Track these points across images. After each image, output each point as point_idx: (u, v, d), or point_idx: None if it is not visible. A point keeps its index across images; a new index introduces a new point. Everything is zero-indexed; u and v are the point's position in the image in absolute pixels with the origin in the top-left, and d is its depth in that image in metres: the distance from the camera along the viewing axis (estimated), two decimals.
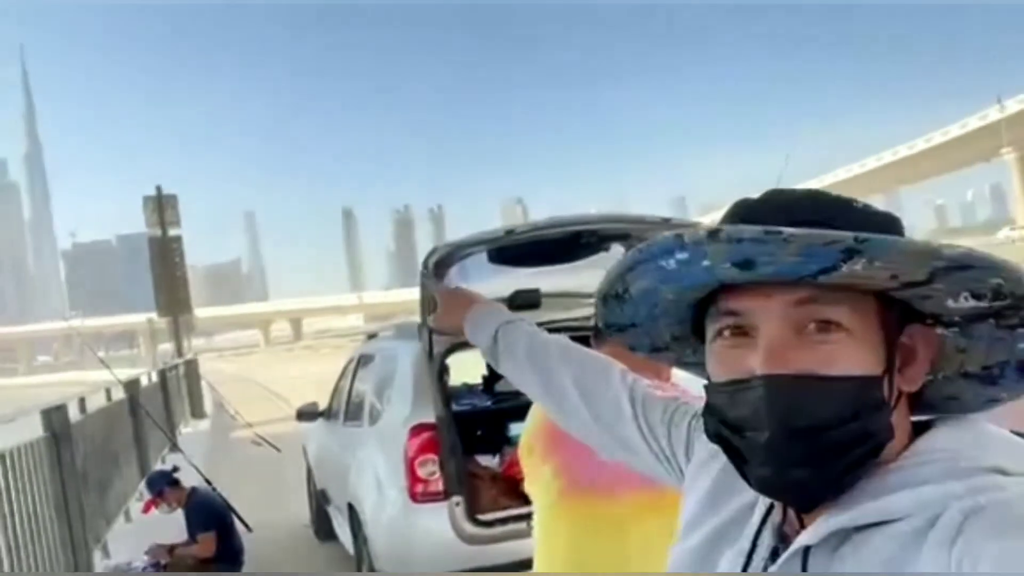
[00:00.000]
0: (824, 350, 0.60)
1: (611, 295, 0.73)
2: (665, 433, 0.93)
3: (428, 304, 3.27)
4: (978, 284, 0.57)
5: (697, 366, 0.80)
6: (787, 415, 0.59)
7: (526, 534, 3.13)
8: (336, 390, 5.28)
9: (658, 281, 0.67)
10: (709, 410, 0.67)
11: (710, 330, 0.67)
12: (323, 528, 5.41)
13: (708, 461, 0.81)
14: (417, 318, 3.78)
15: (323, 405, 5.43)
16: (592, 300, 3.39)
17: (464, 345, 3.53)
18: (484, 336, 1.14)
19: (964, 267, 0.56)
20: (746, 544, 0.69)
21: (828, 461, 0.59)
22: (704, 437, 0.85)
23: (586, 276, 3.86)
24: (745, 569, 0.68)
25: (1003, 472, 0.58)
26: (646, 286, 0.69)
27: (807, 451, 0.59)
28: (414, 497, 3.10)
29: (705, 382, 0.70)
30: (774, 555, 0.66)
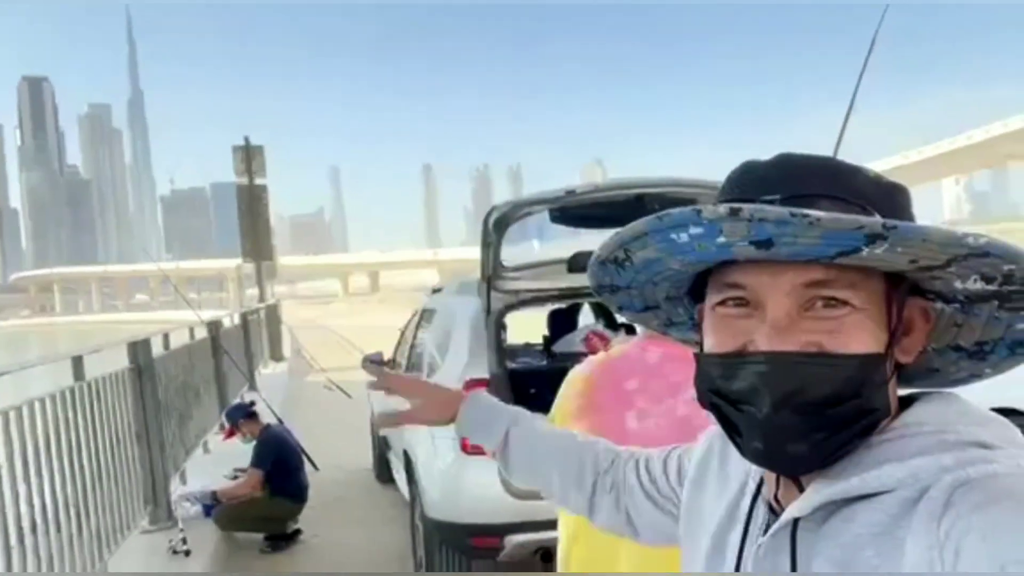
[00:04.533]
0: (830, 325, 0.60)
1: (610, 260, 0.70)
2: (664, 480, 0.96)
3: (489, 263, 3.30)
4: (991, 269, 0.57)
5: (683, 325, 0.80)
6: (788, 393, 0.59)
7: None
8: (400, 341, 5.42)
9: (666, 253, 0.65)
10: (702, 377, 0.67)
11: (711, 299, 0.66)
12: (383, 472, 5.62)
13: (701, 476, 0.84)
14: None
15: (389, 355, 5.60)
16: None
17: (523, 303, 3.56)
18: (492, 437, 1.11)
19: (983, 254, 0.55)
20: (743, 519, 0.72)
21: (826, 436, 0.60)
22: (693, 457, 0.89)
23: None
24: (743, 542, 0.70)
25: (987, 446, 0.59)
26: (651, 256, 0.67)
27: (805, 427, 0.60)
28: (464, 448, 3.16)
29: (697, 350, 0.70)
30: (768, 529, 0.67)
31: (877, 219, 0.55)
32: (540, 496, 3.49)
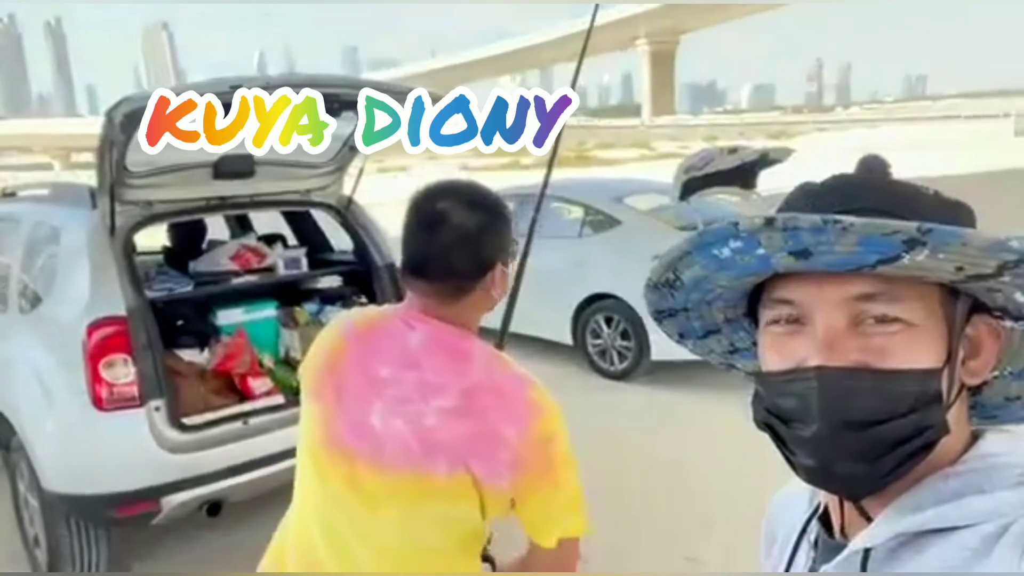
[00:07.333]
0: (881, 342, 0.58)
1: (661, 283, 0.69)
2: None
3: (110, 169, 2.59)
4: None
5: (748, 352, 0.76)
6: (836, 409, 0.58)
7: (243, 435, 2.80)
8: None
9: (711, 270, 0.64)
10: (758, 398, 0.65)
11: (763, 317, 0.65)
12: None
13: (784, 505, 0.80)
14: (55, 163, 2.96)
15: None
16: (310, 171, 2.95)
17: (158, 217, 2.93)
18: None
19: None
20: (788, 547, 0.70)
21: (878, 455, 0.58)
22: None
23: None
24: (791, 560, 0.70)
25: None
26: (699, 274, 0.66)
27: (856, 445, 0.58)
28: (99, 404, 2.54)
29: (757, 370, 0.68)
30: (827, 559, 0.66)
31: (912, 223, 0.53)
32: (205, 445, 2.99)
